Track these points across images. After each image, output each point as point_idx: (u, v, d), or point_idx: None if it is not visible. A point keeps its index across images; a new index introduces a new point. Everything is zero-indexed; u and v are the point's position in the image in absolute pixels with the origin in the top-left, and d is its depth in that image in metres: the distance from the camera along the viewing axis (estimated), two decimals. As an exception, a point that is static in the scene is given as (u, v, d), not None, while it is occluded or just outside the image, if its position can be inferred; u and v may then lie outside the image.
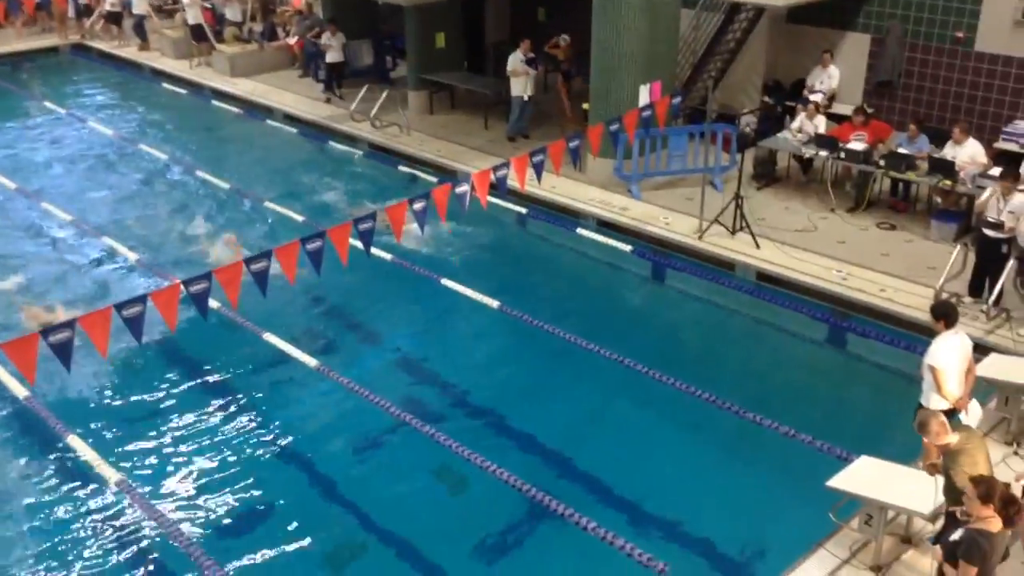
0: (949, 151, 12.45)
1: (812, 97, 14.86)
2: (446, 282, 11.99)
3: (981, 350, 9.11)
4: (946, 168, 12.15)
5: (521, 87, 16.09)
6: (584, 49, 14.78)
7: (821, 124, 13.93)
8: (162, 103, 20.74)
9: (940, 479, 7.00)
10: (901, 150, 12.94)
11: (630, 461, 8.80)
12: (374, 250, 9.70)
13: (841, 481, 7.32)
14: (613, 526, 7.76)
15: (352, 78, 19.38)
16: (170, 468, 8.86)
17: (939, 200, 12.76)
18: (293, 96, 19.77)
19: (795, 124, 14.22)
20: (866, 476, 7.35)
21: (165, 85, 21.70)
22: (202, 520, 8.21)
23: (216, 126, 19.19)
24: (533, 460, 8.87)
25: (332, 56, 19.04)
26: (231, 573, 7.48)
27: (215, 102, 20.37)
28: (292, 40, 21.38)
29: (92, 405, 9.78)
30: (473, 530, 8.05)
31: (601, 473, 8.68)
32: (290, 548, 7.88)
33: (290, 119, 18.75)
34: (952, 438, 6.50)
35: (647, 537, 7.77)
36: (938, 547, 6.00)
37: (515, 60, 16.02)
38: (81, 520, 8.21)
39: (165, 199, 15.28)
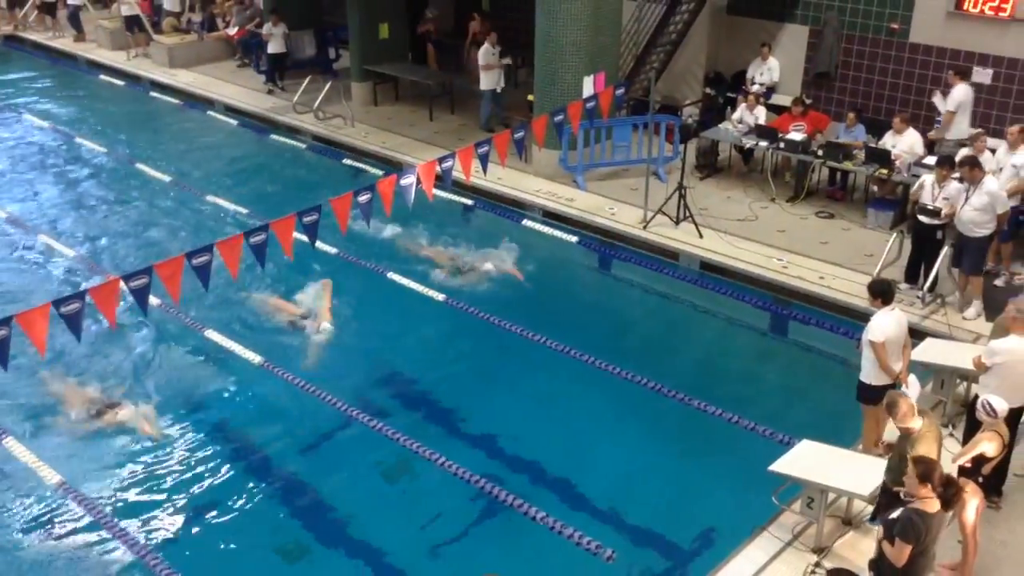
0: (889, 140, 12.73)
1: (752, 89, 15.07)
2: (392, 276, 11.96)
3: (917, 335, 9.35)
4: (882, 157, 12.42)
5: (494, 80, 16.13)
6: (527, 40, 14.81)
7: (761, 115, 14.14)
8: (99, 95, 20.30)
9: (883, 461, 7.20)
10: (840, 140, 13.19)
11: (576, 450, 8.86)
12: (319, 244, 9.61)
13: (783, 465, 7.48)
14: (561, 515, 7.85)
15: (294, 69, 19.17)
16: (111, 467, 8.71)
17: (876, 189, 13.04)
18: (234, 88, 19.49)
19: (736, 115, 14.42)
20: (807, 460, 7.51)
21: (102, 77, 21.22)
22: (147, 518, 8.09)
23: (155, 118, 18.85)
24: (481, 451, 8.89)
25: (274, 47, 18.80)
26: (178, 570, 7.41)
27: (154, 94, 20.00)
28: (232, 31, 21.07)
29: (29, 405, 9.56)
30: (422, 522, 8.05)
31: (548, 462, 8.73)
32: (239, 545, 7.82)
33: (231, 111, 18.49)
34: (916, 423, 6.65)
35: (595, 525, 7.85)
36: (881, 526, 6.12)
37: (487, 54, 16.04)
38: (24, 524, 8.05)
39: (104, 193, 14.95)
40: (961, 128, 12.72)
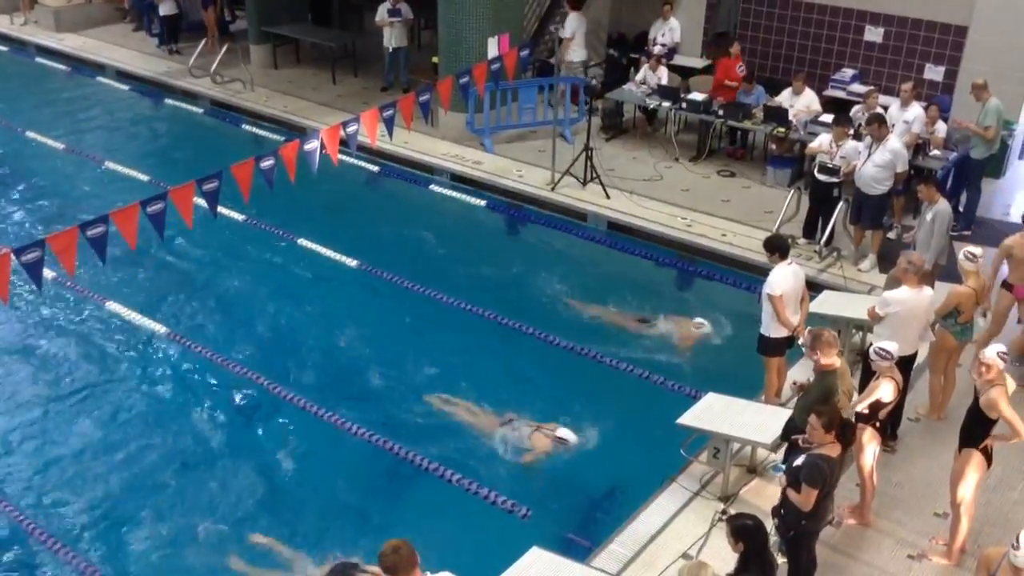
0: (787, 100, 13.02)
1: (654, 50, 15.20)
2: (303, 242, 11.79)
3: (814, 287, 9.67)
4: (780, 116, 12.71)
5: (387, 37, 15.92)
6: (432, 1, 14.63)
7: (664, 76, 14.29)
8: (-20, 62, 19.34)
9: (783, 410, 7.44)
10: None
11: (489, 410, 8.91)
12: (222, 210, 9.39)
13: (690, 418, 7.69)
14: (476, 476, 7.92)
15: (189, 32, 18.55)
16: (9, 446, 8.44)
17: (774, 147, 13.37)
18: (126, 52, 18.74)
19: (639, 76, 14.54)
20: (712, 412, 7.74)
21: (-18, 42, 20.21)
22: (49, 498, 7.88)
23: (44, 86, 17.96)
24: (394, 417, 8.87)
25: (166, 8, 18.16)
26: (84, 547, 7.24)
27: (40, 60, 19.09)
28: (122, -9, 20.24)
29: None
30: (336, 490, 8.03)
31: (462, 424, 8.76)
32: (148, 518, 7.68)
33: (124, 76, 17.79)
34: (837, 360, 6.89)
35: (510, 484, 7.93)
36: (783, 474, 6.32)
37: (381, 11, 15.93)
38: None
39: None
40: (579, 52, 15.02)
